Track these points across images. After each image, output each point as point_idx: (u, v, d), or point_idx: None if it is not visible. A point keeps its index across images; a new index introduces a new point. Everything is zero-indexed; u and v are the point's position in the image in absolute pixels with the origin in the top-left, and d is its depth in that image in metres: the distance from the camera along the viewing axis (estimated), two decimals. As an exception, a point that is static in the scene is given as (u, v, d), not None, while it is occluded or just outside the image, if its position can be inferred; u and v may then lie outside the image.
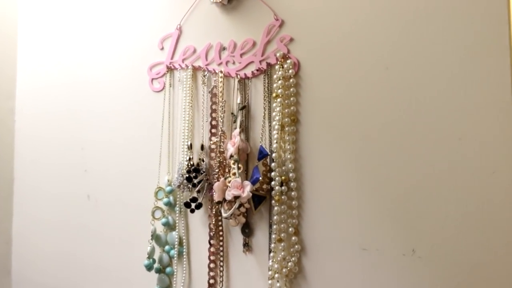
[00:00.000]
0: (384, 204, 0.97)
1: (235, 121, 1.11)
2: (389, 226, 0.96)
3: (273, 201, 1.04)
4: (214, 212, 1.13)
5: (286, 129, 1.05)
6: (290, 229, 1.04)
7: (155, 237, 1.19)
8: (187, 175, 1.12)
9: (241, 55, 1.12)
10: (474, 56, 0.89)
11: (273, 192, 1.04)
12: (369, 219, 0.98)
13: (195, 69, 1.18)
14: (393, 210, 0.96)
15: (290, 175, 1.04)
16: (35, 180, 1.42)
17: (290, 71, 1.06)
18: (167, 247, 1.19)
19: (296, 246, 1.04)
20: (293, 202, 1.04)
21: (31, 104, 1.43)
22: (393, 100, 0.96)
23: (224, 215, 1.05)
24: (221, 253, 1.14)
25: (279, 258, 1.04)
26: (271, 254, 1.05)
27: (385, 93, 0.97)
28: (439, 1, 0.92)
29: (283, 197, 1.04)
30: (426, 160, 0.93)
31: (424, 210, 0.93)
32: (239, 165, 1.06)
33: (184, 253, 1.18)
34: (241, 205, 1.04)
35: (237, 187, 1.03)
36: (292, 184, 1.04)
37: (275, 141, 1.04)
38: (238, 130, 1.08)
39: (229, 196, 1.03)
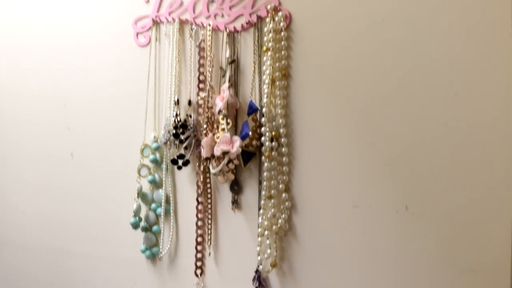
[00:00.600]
0: (377, 160, 0.96)
1: (224, 76, 1.08)
2: (382, 183, 0.95)
3: (263, 157, 1.02)
4: (202, 169, 1.10)
5: (277, 83, 1.02)
6: (281, 186, 1.02)
7: (141, 195, 1.16)
8: (174, 131, 1.09)
9: (230, 7, 1.08)
10: (472, 7, 0.87)
11: (263, 148, 1.02)
12: (362, 176, 0.97)
13: (182, 23, 1.14)
14: (386, 166, 0.95)
15: (281, 130, 1.02)
16: (15, 139, 1.37)
17: (281, 24, 1.02)
18: (153, 205, 1.17)
19: (287, 203, 1.02)
20: (284, 158, 1.02)
21: (9, 60, 1.37)
22: (388, 54, 0.94)
23: (212, 171, 1.03)
24: (209, 211, 1.12)
25: (269, 216, 1.02)
26: (261, 212, 1.03)
27: (380, 47, 0.95)
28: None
29: (273, 153, 1.01)
30: (421, 116, 0.92)
31: (418, 167, 0.92)
32: (228, 120, 1.03)
33: (171, 211, 1.16)
34: (230, 161, 1.02)
35: (226, 142, 1.00)
36: (282, 139, 1.02)
37: (265, 95, 1.02)
38: (227, 84, 1.05)
39: (217, 151, 1.01)
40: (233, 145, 0.99)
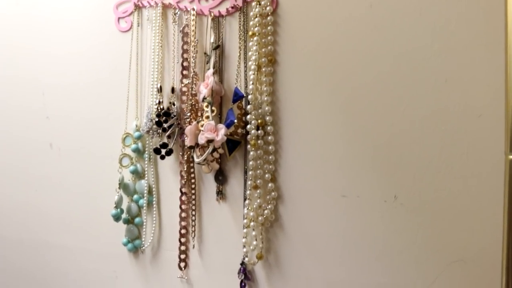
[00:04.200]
0: (365, 149, 0.94)
1: (208, 62, 1.04)
2: (371, 172, 0.93)
3: (248, 146, 0.99)
4: (185, 159, 1.07)
5: (263, 69, 0.99)
6: (267, 176, 0.99)
7: (123, 186, 1.13)
8: (157, 120, 1.05)
9: (215, -9, 1.05)
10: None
11: (248, 137, 0.99)
12: (350, 165, 0.95)
13: (165, 7, 1.10)
14: (375, 155, 0.93)
15: (267, 118, 0.99)
16: (-9, 128, 1.33)
17: (268, 8, 0.99)
18: (135, 196, 1.13)
19: (273, 193, 1.00)
20: (270, 147, 0.99)
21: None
22: (377, 40, 0.92)
23: (196, 160, 1.00)
24: (193, 202, 1.09)
25: (254, 206, 1.00)
26: (246, 202, 1.00)
27: (368, 32, 0.92)
28: None
29: (259, 142, 0.98)
30: (410, 103, 0.90)
31: (407, 156, 0.90)
32: (213, 108, 1.00)
33: (154, 202, 1.13)
34: (214, 149, 0.99)
35: (210, 130, 0.97)
36: (268, 128, 0.99)
37: (251, 82, 0.98)
38: (211, 70, 1.01)
39: (202, 140, 0.97)
40: (218, 133, 0.96)
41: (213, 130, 0.97)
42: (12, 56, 1.28)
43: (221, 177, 1.05)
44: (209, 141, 0.97)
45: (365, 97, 0.93)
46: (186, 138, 1.01)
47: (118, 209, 1.12)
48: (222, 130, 0.96)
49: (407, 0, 0.89)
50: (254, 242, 1.00)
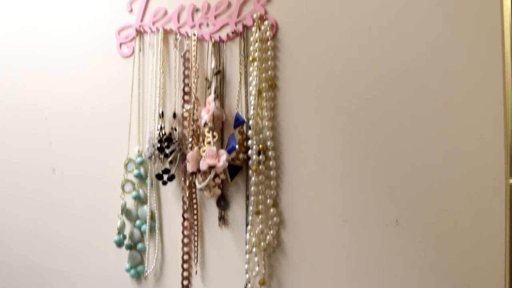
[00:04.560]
0: (367, 173, 0.93)
1: (209, 87, 1.04)
2: (372, 197, 0.93)
3: (250, 171, 0.99)
4: (187, 184, 1.06)
5: (264, 94, 0.99)
6: (268, 201, 0.99)
7: (125, 211, 1.12)
8: (159, 145, 1.06)
9: (215, 16, 1.05)
10: (461, 16, 0.84)
11: (250, 162, 0.99)
12: (352, 189, 0.94)
13: (166, 33, 1.11)
14: (376, 179, 0.92)
15: (268, 143, 0.99)
16: (-5, 153, 1.34)
17: (268, 33, 0.99)
18: (138, 222, 1.13)
19: (275, 219, 0.99)
20: (271, 172, 0.99)
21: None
22: (376, 63, 0.92)
23: (198, 186, 1.00)
24: (196, 228, 1.08)
25: (256, 232, 0.99)
26: (248, 227, 1.00)
27: (368, 56, 0.92)
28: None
29: (260, 167, 0.98)
30: (411, 127, 0.89)
31: (408, 179, 0.90)
32: (214, 133, 1.00)
33: (156, 228, 1.12)
34: (216, 175, 0.99)
35: (212, 156, 0.97)
36: (270, 153, 0.99)
37: (252, 107, 0.98)
38: (212, 96, 1.02)
39: (203, 166, 0.97)
40: (219, 159, 0.96)
41: (215, 156, 0.97)
42: (15, 81, 1.30)
43: (223, 203, 1.05)
44: (211, 167, 0.97)
45: (365, 121, 0.92)
46: (188, 164, 1.01)
47: (121, 235, 1.11)
48: (224, 156, 0.96)
49: (405, 23, 0.89)
50: (257, 268, 1.00)
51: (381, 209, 0.92)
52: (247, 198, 1.01)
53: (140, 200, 1.13)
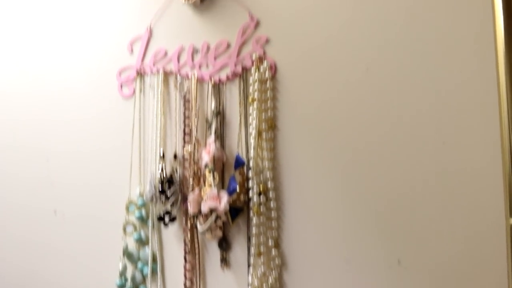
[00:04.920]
0: (368, 213, 0.93)
1: (209, 128, 1.05)
2: (374, 237, 0.92)
3: (251, 213, 0.98)
4: (189, 226, 1.06)
5: (264, 135, 0.99)
6: (270, 242, 0.98)
7: (127, 253, 1.12)
8: (160, 187, 1.06)
9: (215, 57, 1.06)
10: (458, 57, 0.85)
11: (251, 203, 0.98)
12: (353, 230, 0.94)
13: (167, 74, 1.12)
14: (377, 219, 0.92)
15: (269, 184, 0.98)
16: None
17: (267, 74, 1.00)
18: (140, 264, 1.12)
19: (277, 260, 0.98)
20: (272, 213, 0.99)
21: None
22: (374, 103, 0.92)
23: (200, 229, 1.00)
24: (198, 269, 1.07)
25: (259, 274, 0.98)
26: (250, 269, 0.99)
27: (366, 96, 0.93)
28: (420, 2, 0.88)
29: (261, 208, 0.98)
30: (410, 166, 0.89)
31: (409, 219, 0.89)
32: (215, 174, 1.00)
33: (158, 270, 1.11)
34: (217, 217, 0.98)
35: (213, 198, 0.96)
36: (271, 193, 0.98)
37: (252, 148, 0.99)
38: (213, 137, 1.02)
39: (205, 208, 0.97)
40: (220, 202, 0.96)
41: (216, 199, 0.96)
42: (17, 123, 1.30)
43: (224, 244, 1.04)
44: (212, 210, 0.97)
45: (365, 161, 0.92)
46: (189, 206, 1.00)
47: (123, 278, 1.11)
48: (225, 198, 0.96)
49: (402, 63, 0.89)
50: (260, 311, 0.99)
51: (382, 249, 0.91)
52: (249, 239, 1.00)
53: (142, 242, 1.12)
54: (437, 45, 0.86)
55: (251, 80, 1.01)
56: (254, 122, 0.99)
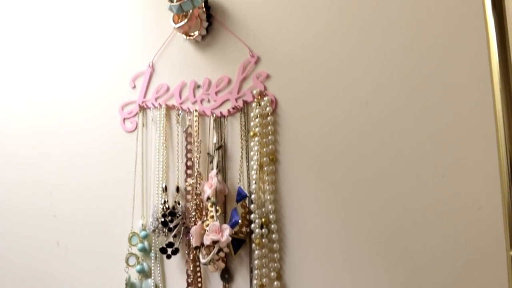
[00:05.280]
0: (369, 245, 0.94)
1: (211, 162, 1.07)
2: (376, 267, 0.93)
3: (253, 245, 1.00)
4: (191, 258, 1.07)
5: (265, 168, 1.01)
6: (272, 274, 1.00)
7: (130, 285, 1.12)
8: (163, 219, 1.07)
9: (216, 93, 1.09)
10: (455, 91, 0.87)
11: (253, 235, 1.00)
12: (355, 261, 0.95)
13: (169, 108, 1.14)
14: (379, 252, 0.93)
15: (271, 216, 1.00)
16: None
17: (268, 108, 1.03)
18: (142, 296, 1.13)
19: (279, 292, 1.00)
20: (275, 245, 1.00)
21: (-4, 146, 1.36)
22: (374, 136, 0.94)
23: (202, 261, 1.01)
24: (200, 301, 1.08)
25: (261, 305, 0.99)
26: (253, 302, 1.00)
27: (366, 130, 0.95)
28: (416, 36, 0.91)
29: (263, 240, 0.99)
30: (411, 198, 0.90)
31: (410, 250, 0.90)
32: (217, 207, 1.02)
33: (161, 301, 1.12)
34: (220, 249, 1.00)
35: (215, 231, 0.98)
36: (272, 226, 1.00)
37: (253, 181, 1.01)
38: (215, 171, 1.04)
39: (207, 240, 0.99)
40: (222, 234, 0.98)
41: (218, 231, 0.98)
42: (20, 156, 1.32)
43: (227, 276, 1.05)
44: (215, 242, 0.98)
45: (366, 194, 0.94)
46: (192, 238, 1.02)
47: (126, 311, 1.11)
48: (227, 230, 0.98)
49: (401, 97, 0.91)
50: None
51: (385, 280, 0.92)
52: (251, 271, 1.02)
53: (145, 274, 1.13)
54: (435, 80, 0.88)
55: (252, 114, 1.03)
56: (256, 155, 1.01)
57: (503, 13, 0.83)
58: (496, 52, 0.83)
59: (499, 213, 0.83)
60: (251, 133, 1.02)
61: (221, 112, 1.08)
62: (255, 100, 1.03)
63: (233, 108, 1.07)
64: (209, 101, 1.10)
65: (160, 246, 1.08)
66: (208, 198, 1.03)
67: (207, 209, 1.03)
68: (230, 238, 0.98)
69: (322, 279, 0.97)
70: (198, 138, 1.09)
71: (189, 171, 1.10)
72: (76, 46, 1.29)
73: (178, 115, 1.13)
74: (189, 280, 1.08)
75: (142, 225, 1.14)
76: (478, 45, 0.85)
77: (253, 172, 1.01)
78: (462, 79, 0.87)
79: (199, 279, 1.08)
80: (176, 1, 1.07)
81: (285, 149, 1.02)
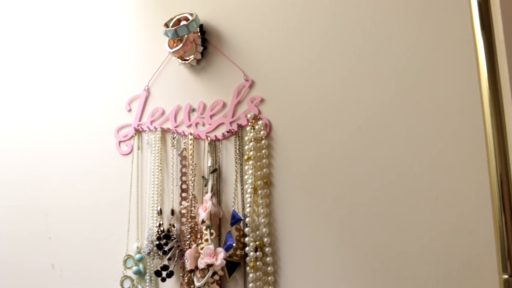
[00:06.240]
0: (363, 267, 0.94)
1: (206, 185, 1.08)
2: (369, 291, 0.93)
3: (247, 268, 1.00)
4: (186, 281, 1.07)
5: (259, 192, 1.02)
6: (267, 297, 1.00)
7: (125, 308, 1.13)
8: (157, 242, 1.08)
9: (211, 116, 1.10)
10: (447, 116, 0.88)
11: (247, 258, 1.00)
12: (349, 284, 0.95)
13: (164, 131, 1.15)
14: (373, 274, 0.93)
15: (265, 239, 1.01)
16: (-5, 249, 1.35)
17: (262, 132, 1.04)
18: (137, 320, 1.13)
19: (273, 315, 1.00)
20: (269, 268, 1.00)
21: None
22: (367, 160, 0.95)
23: (197, 284, 1.01)
24: (195, 324, 1.08)
25: (255, 329, 0.99)
26: (248, 324, 1.00)
27: (359, 153, 0.95)
28: (408, 62, 0.92)
29: (258, 263, 1.00)
30: (404, 221, 0.91)
31: (404, 274, 0.90)
32: (212, 230, 1.03)
33: (156, 325, 1.12)
34: (214, 273, 1.00)
35: (210, 254, 0.99)
36: (267, 249, 1.01)
37: (248, 204, 1.02)
38: (209, 194, 1.05)
39: (201, 264, 0.99)
40: (217, 257, 0.98)
41: (212, 255, 0.98)
42: (16, 179, 1.32)
43: (221, 299, 1.06)
44: (209, 265, 0.98)
45: (359, 216, 0.94)
46: (186, 261, 1.02)
47: (120, 334, 1.11)
48: (221, 254, 0.98)
49: (394, 122, 0.92)
50: None
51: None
52: (246, 294, 1.02)
53: (139, 297, 1.14)
54: (427, 105, 0.89)
55: (246, 138, 1.04)
56: (250, 179, 1.02)
57: (492, 36, 0.84)
58: (486, 78, 0.84)
59: (491, 236, 0.83)
60: (246, 157, 1.04)
61: (215, 136, 1.09)
62: (249, 123, 1.05)
63: (228, 132, 1.08)
64: (204, 124, 1.11)
65: (155, 269, 1.08)
66: (203, 221, 1.03)
67: (202, 232, 1.03)
68: (224, 262, 0.99)
69: (316, 302, 0.97)
70: (193, 161, 1.10)
71: (184, 194, 1.10)
72: (72, 69, 1.30)
73: (173, 138, 1.14)
74: (184, 303, 1.08)
75: (137, 247, 1.14)
76: (469, 70, 0.85)
77: (247, 195, 1.02)
78: (453, 104, 0.88)
79: (193, 302, 1.08)
80: (172, 26, 1.09)
81: (279, 172, 1.03)
